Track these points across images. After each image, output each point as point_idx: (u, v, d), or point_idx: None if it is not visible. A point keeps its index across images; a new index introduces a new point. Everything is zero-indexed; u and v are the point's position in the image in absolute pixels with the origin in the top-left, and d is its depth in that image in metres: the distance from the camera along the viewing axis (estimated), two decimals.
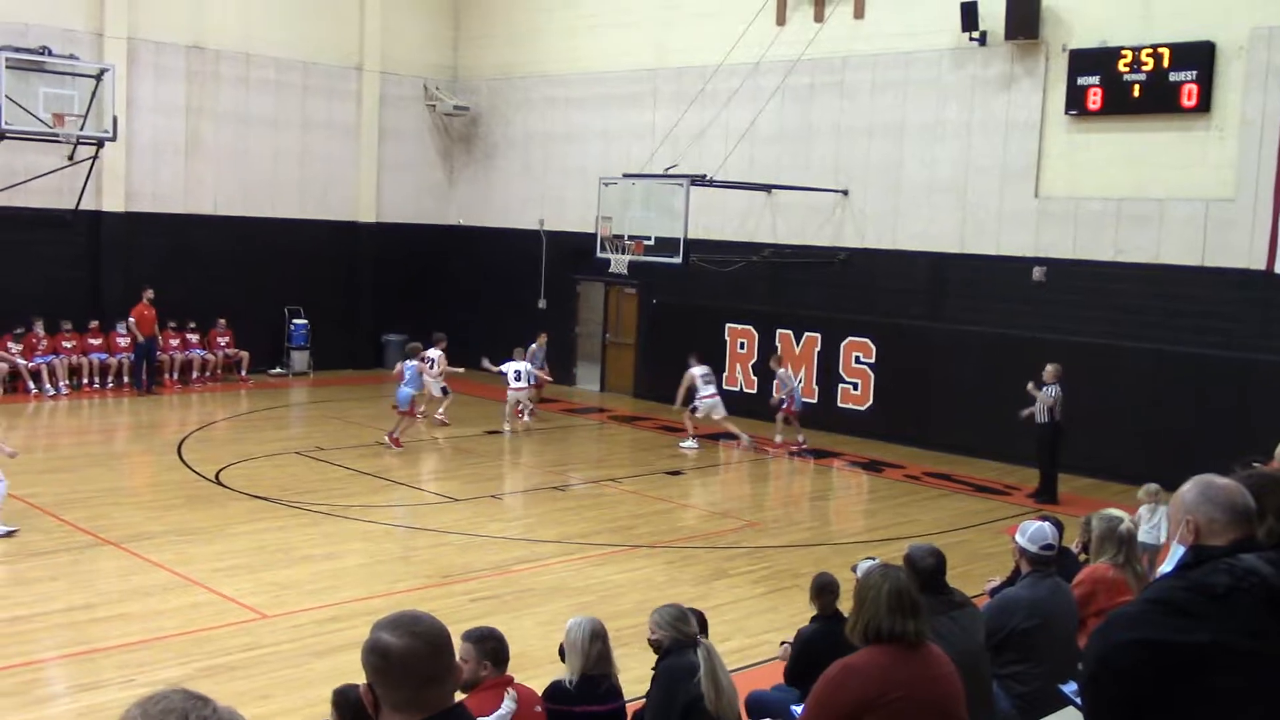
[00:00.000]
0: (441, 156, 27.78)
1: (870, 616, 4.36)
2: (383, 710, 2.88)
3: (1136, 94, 17.24)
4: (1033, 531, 6.52)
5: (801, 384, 20.32)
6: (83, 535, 12.58)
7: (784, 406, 19.32)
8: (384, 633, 2.89)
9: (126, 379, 22.28)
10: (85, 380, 21.88)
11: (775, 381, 19.48)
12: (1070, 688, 5.34)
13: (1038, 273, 18.51)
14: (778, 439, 19.49)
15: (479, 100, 27.11)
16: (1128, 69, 17.28)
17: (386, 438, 17.97)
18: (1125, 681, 2.81)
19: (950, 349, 19.35)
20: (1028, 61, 18.57)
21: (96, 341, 22.30)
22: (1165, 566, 3.21)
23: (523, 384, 19.98)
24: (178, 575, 11.28)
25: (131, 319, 22.03)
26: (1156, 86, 17.05)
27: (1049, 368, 15.90)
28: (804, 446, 19.09)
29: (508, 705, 5.60)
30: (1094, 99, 17.67)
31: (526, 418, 20.53)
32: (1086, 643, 3.07)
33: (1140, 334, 17.41)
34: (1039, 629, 6.20)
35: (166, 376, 23.02)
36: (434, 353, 19.73)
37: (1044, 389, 15.86)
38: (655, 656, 6.32)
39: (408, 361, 18.74)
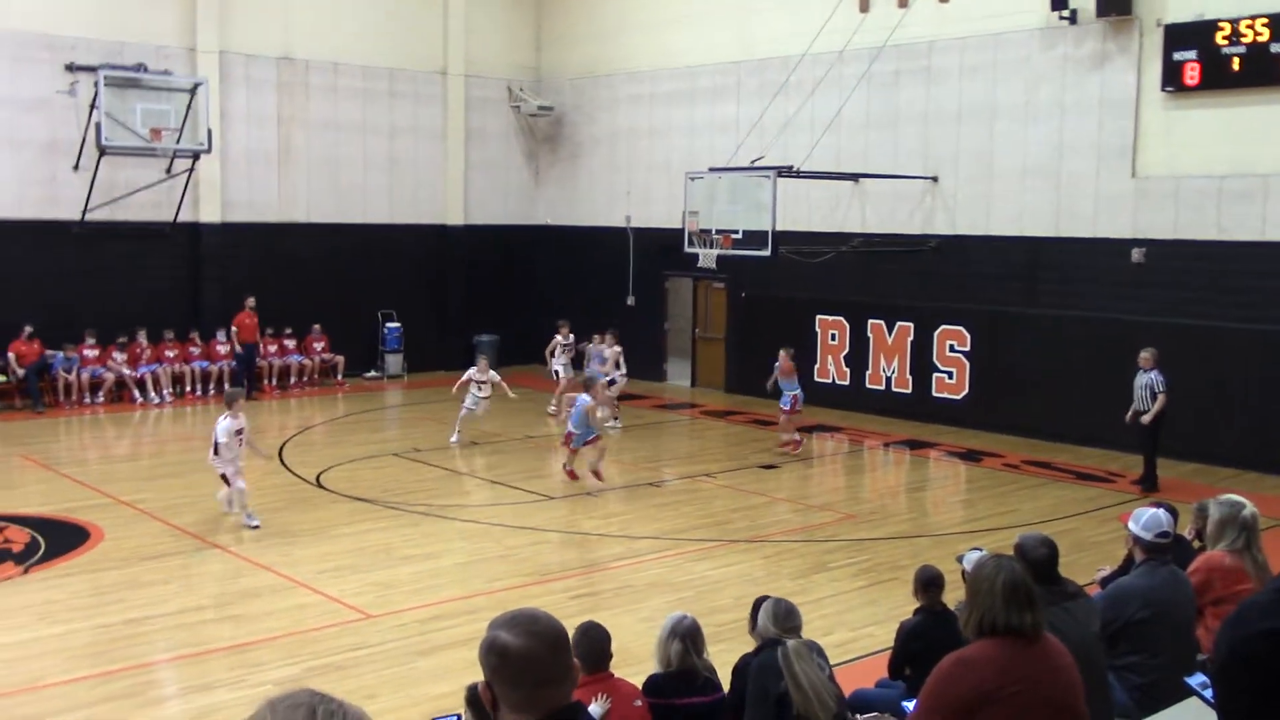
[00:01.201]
0: (527, 157, 27.95)
1: (986, 609, 4.25)
2: (501, 708, 2.88)
3: (1236, 67, 16.74)
4: (1147, 519, 6.33)
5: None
6: (191, 539, 12.87)
7: (789, 408, 18.36)
8: (502, 631, 2.89)
9: (229, 385, 22.71)
10: (188, 388, 22.39)
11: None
12: (1196, 680, 5.18)
13: (1137, 254, 18.07)
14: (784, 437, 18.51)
15: (563, 99, 27.23)
16: (1226, 42, 16.78)
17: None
18: (1258, 672, 2.70)
19: (1047, 335, 18.98)
20: (1121, 38, 18.12)
21: (197, 350, 22.82)
22: None
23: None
24: (283, 577, 11.49)
25: (234, 327, 22.61)
26: (1257, 59, 16.53)
27: (1144, 353, 15.46)
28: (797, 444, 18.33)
29: (595, 709, 5.58)
30: (1191, 74, 17.19)
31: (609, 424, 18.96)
32: (1217, 633, 2.97)
33: (1245, 315, 16.90)
34: (1155, 619, 6.03)
35: (265, 382, 23.47)
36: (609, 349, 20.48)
37: (1140, 375, 15.44)
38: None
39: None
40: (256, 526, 13.18)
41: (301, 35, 24.26)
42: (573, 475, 15.87)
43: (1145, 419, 15.27)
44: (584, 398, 15.79)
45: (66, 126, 21.35)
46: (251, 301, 22.70)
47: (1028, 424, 19.05)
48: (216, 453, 13.31)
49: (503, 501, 15.10)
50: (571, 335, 21.42)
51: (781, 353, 18.65)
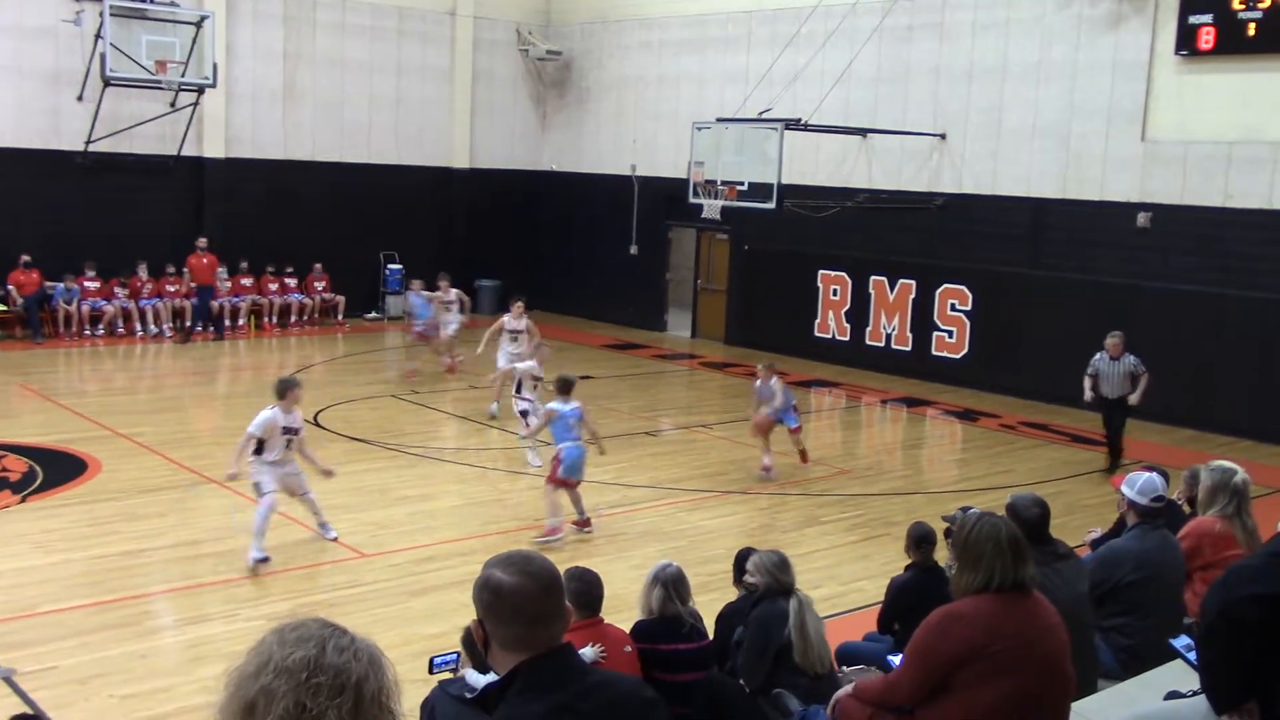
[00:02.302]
0: (534, 102, 27.76)
1: (993, 568, 4.26)
2: (492, 646, 2.90)
3: (1252, 33, 16.57)
4: (1143, 483, 6.37)
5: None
6: (188, 474, 12.92)
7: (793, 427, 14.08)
8: (496, 570, 2.91)
9: (186, 324, 22.31)
10: (188, 323, 22.38)
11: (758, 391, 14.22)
12: (1181, 642, 5.22)
13: (1143, 218, 17.99)
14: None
15: (571, 45, 27.00)
16: (1243, 6, 16.61)
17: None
18: (1246, 634, 2.73)
19: (1050, 297, 18.94)
20: (1136, 0, 17.93)
21: (227, 284, 22.82)
22: None
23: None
24: (279, 514, 11.51)
25: (186, 269, 22.21)
26: (1274, 24, 16.36)
27: (1113, 339, 14.29)
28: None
29: (587, 654, 5.64)
30: (1206, 38, 17.03)
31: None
32: (1205, 596, 2.99)
33: (1250, 283, 16.86)
34: (1146, 582, 6.07)
35: (266, 320, 23.46)
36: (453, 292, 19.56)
37: (1114, 362, 14.21)
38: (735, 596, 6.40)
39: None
40: (335, 539, 10.77)
41: None
42: None
43: (1134, 399, 14.14)
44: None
45: (71, 56, 21.19)
46: (203, 242, 22.07)
47: (1026, 385, 19.07)
48: (258, 452, 10.24)
49: (499, 446, 15.13)
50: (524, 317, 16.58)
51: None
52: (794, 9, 21.66)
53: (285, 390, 10.41)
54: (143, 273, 22.00)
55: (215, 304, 22.62)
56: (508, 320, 16.24)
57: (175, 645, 8.57)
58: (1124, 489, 6.49)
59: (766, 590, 6.23)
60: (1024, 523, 5.31)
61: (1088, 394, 14.48)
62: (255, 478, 10.26)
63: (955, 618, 4.31)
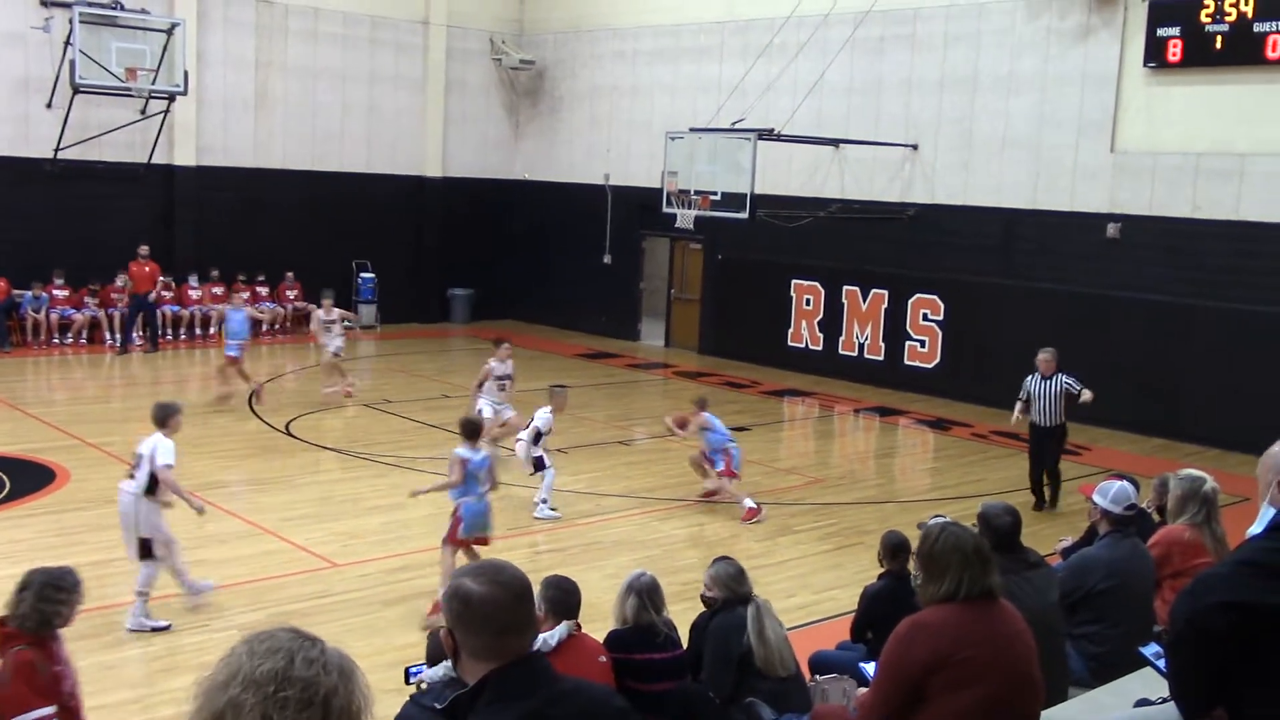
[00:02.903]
0: (507, 111, 27.75)
1: (959, 577, 4.27)
2: (462, 656, 2.89)
3: (1219, 46, 16.75)
4: (1115, 492, 6.43)
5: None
6: None
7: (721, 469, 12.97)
8: (466, 579, 2.91)
9: (118, 335, 21.67)
10: (160, 332, 22.19)
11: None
12: (1150, 650, 5.25)
13: (1113, 229, 18.14)
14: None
15: (545, 54, 27.01)
16: (1210, 20, 16.79)
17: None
18: (1214, 642, 2.75)
19: (1021, 307, 19.06)
20: (1105, 13, 18.10)
21: (169, 294, 22.61)
22: (1255, 527, 3.13)
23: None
24: (250, 524, 11.47)
25: (125, 276, 21.58)
26: (1240, 38, 16.55)
27: (1045, 355, 13.24)
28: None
29: (557, 631, 5.66)
30: (1174, 51, 17.21)
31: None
32: (1173, 603, 3.01)
33: (1219, 293, 17.02)
34: (1116, 589, 6.12)
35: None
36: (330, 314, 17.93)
37: (1045, 382, 13.04)
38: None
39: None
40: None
41: None
42: None
43: (1083, 399, 12.90)
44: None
45: (40, 63, 21.04)
46: (144, 250, 21.53)
47: (998, 395, 19.04)
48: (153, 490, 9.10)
49: None
50: (335, 310, 18.18)
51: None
52: (766, 19, 21.75)
53: (168, 417, 9.29)
54: (117, 281, 21.78)
55: (161, 312, 22.25)
56: (495, 366, 14.30)
57: (144, 656, 8.49)
58: (1096, 498, 6.54)
59: (725, 601, 6.28)
60: (995, 531, 5.34)
61: (1015, 416, 13.42)
62: (161, 530, 9.17)
63: (921, 627, 4.32)
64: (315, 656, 2.21)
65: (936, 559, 4.37)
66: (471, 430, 9.93)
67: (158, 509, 9.09)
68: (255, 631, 2.28)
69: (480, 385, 14.46)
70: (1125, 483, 6.53)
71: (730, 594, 6.30)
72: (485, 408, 14.05)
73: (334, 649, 2.26)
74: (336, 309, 18.15)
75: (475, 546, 9.72)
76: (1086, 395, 13.01)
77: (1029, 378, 13.37)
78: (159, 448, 9.04)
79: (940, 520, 4.61)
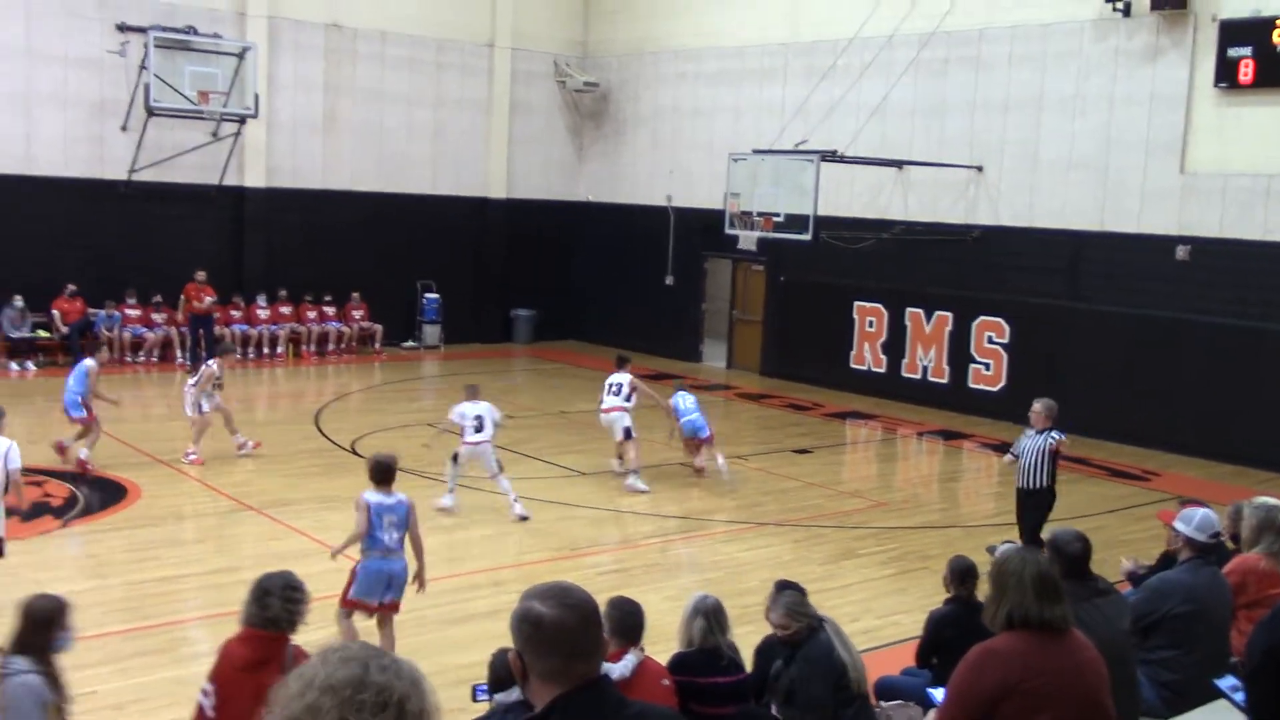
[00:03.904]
0: (571, 133, 27.94)
1: (1015, 603, 4.24)
2: (530, 679, 2.91)
3: None
4: (1200, 519, 6.37)
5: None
6: (227, 500, 13.02)
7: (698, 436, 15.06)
8: (536, 602, 2.92)
9: (179, 354, 21.82)
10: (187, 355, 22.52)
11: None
12: (1226, 683, 5.16)
13: (1182, 252, 17.88)
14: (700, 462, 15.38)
15: (609, 76, 27.18)
16: None
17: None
18: None
19: (1087, 330, 18.83)
20: (1175, 33, 17.89)
21: (238, 314, 23.00)
22: None
23: (485, 436, 13.13)
24: (316, 541, 11.59)
25: (183, 296, 21.82)
26: None
27: (1038, 406, 11.73)
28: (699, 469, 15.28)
29: (626, 660, 5.68)
30: (1245, 71, 16.95)
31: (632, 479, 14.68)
32: (1251, 635, 2.96)
33: None
34: (1194, 615, 6.02)
35: (304, 348, 23.65)
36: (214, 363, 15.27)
37: (1036, 437, 11.54)
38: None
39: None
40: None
41: (350, 3, 24.33)
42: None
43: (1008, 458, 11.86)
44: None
45: (116, 87, 21.52)
46: (201, 275, 21.82)
47: (1064, 419, 18.75)
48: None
49: (534, 475, 15.15)
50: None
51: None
52: (830, 41, 21.73)
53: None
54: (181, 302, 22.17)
55: (237, 331, 22.62)
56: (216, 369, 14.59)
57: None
58: (1178, 525, 6.46)
59: (808, 629, 6.20)
60: (1066, 558, 5.28)
61: (1008, 457, 12.25)
62: None
63: (993, 654, 4.29)
64: (388, 664, 2.28)
65: (1009, 585, 4.34)
66: (381, 473, 8.62)
67: None
68: (327, 644, 2.34)
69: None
70: (1209, 510, 6.46)
71: (806, 622, 6.24)
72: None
73: (405, 659, 2.32)
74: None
75: (380, 614, 8.35)
76: (1063, 444, 11.52)
77: (1024, 431, 11.86)
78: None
79: (1012, 545, 4.58)
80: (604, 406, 14.94)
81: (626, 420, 14.49)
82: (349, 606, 8.46)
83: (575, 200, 27.75)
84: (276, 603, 5.62)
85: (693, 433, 14.98)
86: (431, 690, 2.32)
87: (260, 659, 5.43)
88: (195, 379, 15.02)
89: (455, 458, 13.06)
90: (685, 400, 15.12)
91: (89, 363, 14.53)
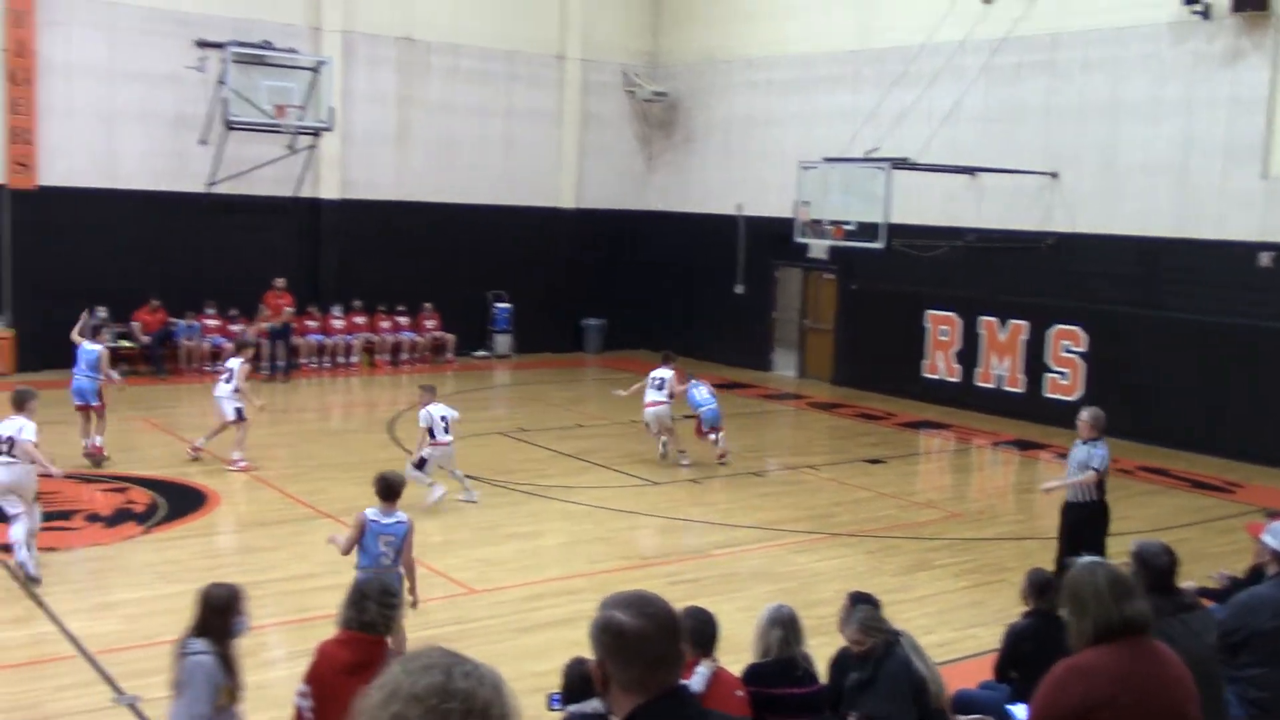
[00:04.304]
0: (640, 142, 28.01)
1: (1096, 614, 4.15)
2: (612, 688, 2.91)
3: None
4: None
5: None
6: (303, 508, 13.19)
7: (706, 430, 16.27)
8: (618, 612, 2.92)
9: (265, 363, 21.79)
10: (303, 360, 22.88)
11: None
12: None
13: (1265, 258, 17.49)
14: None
15: (678, 86, 27.21)
16: None
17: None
18: None
19: (1167, 338, 18.48)
20: (1255, 35, 17.53)
21: (313, 323, 23.33)
22: None
23: (452, 435, 13.63)
24: None
25: (262, 306, 22.17)
26: None
27: (1085, 415, 10.89)
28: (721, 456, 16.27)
29: (700, 672, 5.66)
30: None
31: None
32: None
33: None
34: None
35: (378, 357, 23.92)
36: (235, 362, 15.46)
37: (1083, 448, 10.73)
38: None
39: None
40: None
41: (423, 17, 24.61)
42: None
43: (1048, 486, 11.21)
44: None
45: (195, 101, 21.94)
46: (280, 282, 22.24)
47: (1144, 429, 18.58)
48: None
49: (606, 484, 15.19)
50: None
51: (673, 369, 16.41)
52: (901, 48, 21.57)
53: (24, 401, 10.83)
54: (261, 310, 22.54)
55: (313, 341, 22.98)
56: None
57: (290, 677, 8.69)
58: (1267, 538, 6.31)
59: (885, 645, 6.12)
60: (1152, 571, 5.17)
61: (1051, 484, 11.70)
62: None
63: (1076, 670, 4.20)
64: (470, 670, 2.27)
65: (1085, 597, 4.26)
66: (385, 490, 8.63)
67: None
68: (408, 652, 2.34)
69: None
70: None
71: (881, 637, 6.17)
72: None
73: (487, 665, 2.31)
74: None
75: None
76: (1053, 484, 11.08)
77: (1073, 443, 11.06)
78: (24, 428, 10.58)
79: (1089, 560, 4.50)
80: (647, 401, 16.04)
81: (669, 413, 15.98)
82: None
83: (645, 209, 27.80)
84: (373, 607, 5.75)
85: (713, 422, 16.06)
86: (513, 695, 2.32)
87: (361, 662, 5.51)
88: (231, 380, 15.09)
89: (422, 463, 13.30)
90: (701, 392, 16.20)
91: (98, 348, 15.13)
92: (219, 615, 6.07)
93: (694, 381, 16.39)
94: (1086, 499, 10.55)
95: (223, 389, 15.15)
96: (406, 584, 8.51)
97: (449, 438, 13.47)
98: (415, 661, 2.29)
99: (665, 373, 16.11)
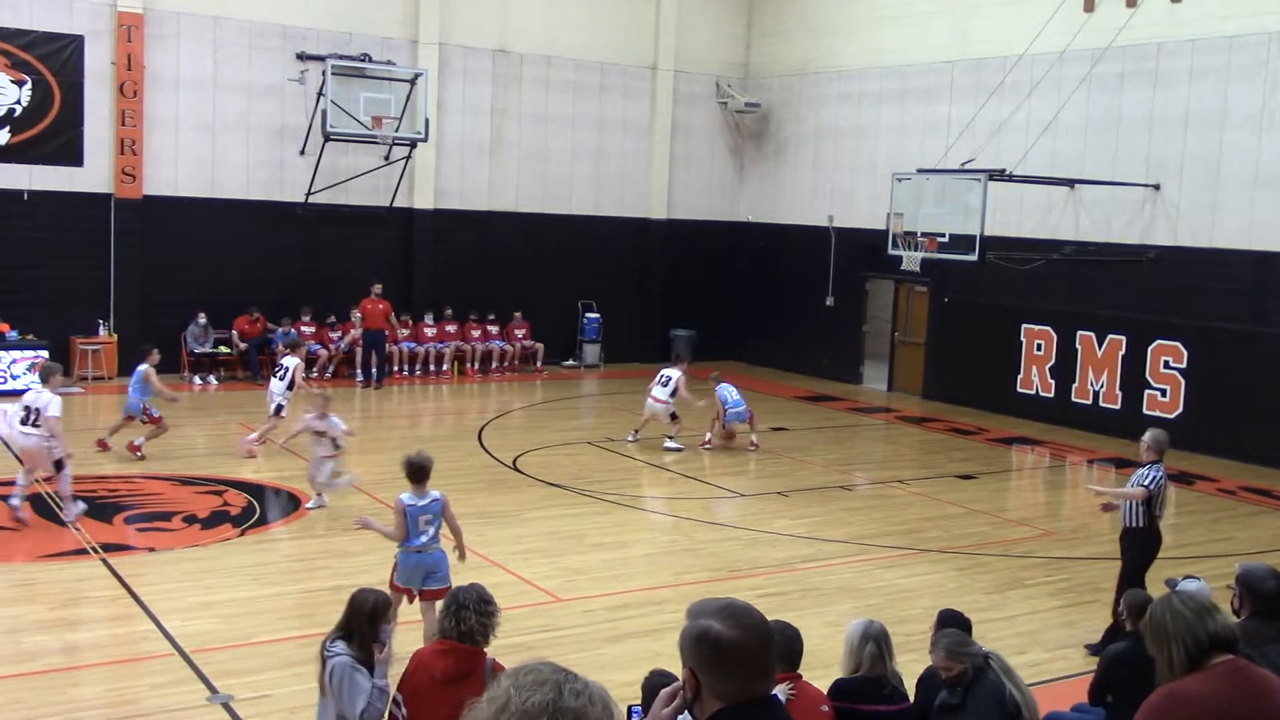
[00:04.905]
0: (732, 153, 27.96)
1: (1180, 638, 4.00)
2: (704, 697, 2.88)
3: None
4: None
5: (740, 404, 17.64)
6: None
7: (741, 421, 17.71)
8: (714, 622, 2.87)
9: (359, 371, 22.43)
10: (395, 368, 23.18)
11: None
12: None
13: None
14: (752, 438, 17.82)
15: (770, 97, 27.12)
16: None
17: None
18: None
19: (1271, 355, 17.92)
20: None
21: (405, 331, 23.63)
22: None
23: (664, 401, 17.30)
24: (479, 555, 11.75)
25: (358, 313, 22.39)
26: None
27: (1147, 436, 10.38)
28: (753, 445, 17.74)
29: (779, 693, 5.59)
30: None
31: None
32: None
33: None
34: None
35: (469, 365, 24.14)
36: (291, 360, 16.47)
37: (1142, 472, 10.08)
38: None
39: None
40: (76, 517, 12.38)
41: (518, 29, 24.84)
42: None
43: (1122, 494, 10.26)
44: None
45: (295, 113, 22.41)
46: (378, 288, 22.49)
47: (1247, 449, 18.06)
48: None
49: (694, 496, 15.16)
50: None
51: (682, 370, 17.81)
52: (998, 58, 21.26)
53: (49, 375, 12.51)
54: (354, 318, 22.87)
55: (405, 349, 23.28)
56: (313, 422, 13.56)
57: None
58: None
59: (975, 670, 5.92)
60: (1260, 596, 5.00)
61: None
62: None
63: (1177, 698, 4.06)
64: (580, 689, 2.25)
65: (1168, 631, 4.11)
66: (415, 472, 9.17)
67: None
68: (517, 666, 2.33)
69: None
70: None
71: (971, 661, 5.98)
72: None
73: (595, 682, 2.29)
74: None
75: (425, 600, 8.97)
76: (1132, 490, 10.07)
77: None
78: (51, 403, 11.97)
79: (1194, 581, 4.36)
80: (653, 395, 17.42)
81: (671, 409, 17.28)
82: (393, 589, 8.89)
83: (736, 220, 27.74)
84: (472, 616, 5.77)
85: (740, 419, 17.46)
86: (620, 712, 2.29)
87: (461, 672, 5.53)
88: (285, 378, 16.13)
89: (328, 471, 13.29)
90: (731, 393, 17.53)
91: (143, 367, 15.43)
92: (364, 620, 6.14)
93: (721, 384, 17.69)
94: (1135, 524, 9.97)
95: (276, 385, 16.20)
96: (453, 556, 9.31)
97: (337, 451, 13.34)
98: (526, 676, 2.28)
99: (673, 372, 17.45)
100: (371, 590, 6.42)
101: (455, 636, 5.73)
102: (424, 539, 9.06)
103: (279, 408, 16.00)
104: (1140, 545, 9.96)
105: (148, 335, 21.13)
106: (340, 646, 6.07)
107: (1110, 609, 9.89)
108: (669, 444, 17.36)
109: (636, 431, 17.99)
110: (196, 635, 9.40)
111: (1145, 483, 9.84)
